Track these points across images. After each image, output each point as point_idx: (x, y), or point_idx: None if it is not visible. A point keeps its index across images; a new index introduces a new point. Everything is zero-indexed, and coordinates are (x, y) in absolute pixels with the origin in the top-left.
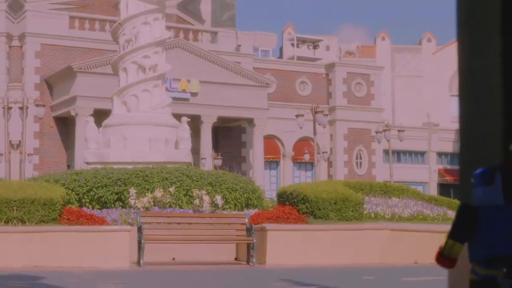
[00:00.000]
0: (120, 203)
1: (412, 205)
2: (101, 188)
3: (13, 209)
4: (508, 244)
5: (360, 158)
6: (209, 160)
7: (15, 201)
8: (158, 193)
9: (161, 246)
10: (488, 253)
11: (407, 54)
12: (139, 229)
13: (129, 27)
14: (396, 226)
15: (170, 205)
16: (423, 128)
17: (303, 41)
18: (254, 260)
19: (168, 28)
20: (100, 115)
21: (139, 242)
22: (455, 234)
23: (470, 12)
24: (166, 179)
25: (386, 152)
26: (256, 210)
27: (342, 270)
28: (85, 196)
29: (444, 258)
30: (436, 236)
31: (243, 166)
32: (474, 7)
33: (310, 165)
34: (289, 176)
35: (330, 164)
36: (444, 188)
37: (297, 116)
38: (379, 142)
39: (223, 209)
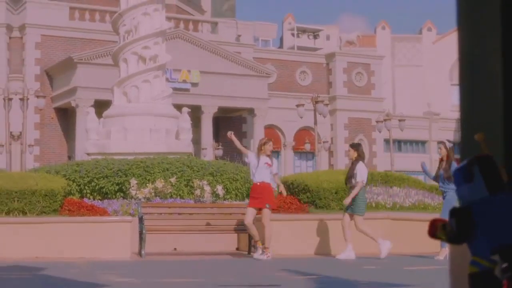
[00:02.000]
0: (121, 194)
1: (413, 194)
2: (102, 179)
3: (14, 200)
4: (506, 234)
5: None
6: (210, 150)
7: (16, 192)
8: (159, 183)
9: (162, 236)
10: (492, 245)
11: (407, 44)
12: (140, 220)
13: (129, 17)
14: (397, 215)
15: (171, 195)
16: (424, 117)
17: (303, 30)
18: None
19: (168, 18)
20: (101, 106)
21: (140, 233)
22: (453, 240)
23: (470, 0)
24: (167, 169)
25: (386, 141)
26: None
27: (343, 260)
28: (86, 187)
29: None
30: None
31: (244, 156)
32: None
33: (311, 154)
34: (290, 166)
35: (331, 154)
36: None
37: (297, 105)
38: (379, 132)
39: (224, 199)
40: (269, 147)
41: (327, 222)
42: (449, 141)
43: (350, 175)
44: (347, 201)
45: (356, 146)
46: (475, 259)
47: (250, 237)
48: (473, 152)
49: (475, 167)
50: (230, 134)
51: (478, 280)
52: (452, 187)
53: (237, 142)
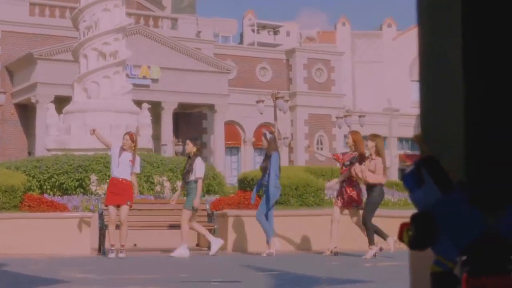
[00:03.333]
0: (81, 190)
1: None
2: (62, 174)
3: None
4: (469, 233)
5: (321, 143)
6: (170, 146)
7: None
8: None
9: None
10: (458, 246)
11: (368, 40)
12: (100, 216)
13: (89, 13)
14: None
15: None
16: (384, 114)
17: (263, 27)
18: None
19: (129, 14)
20: (61, 102)
21: (100, 229)
22: (415, 247)
23: None
24: None
25: (347, 137)
26: (217, 196)
27: (303, 256)
28: (46, 183)
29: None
30: (396, 221)
31: (204, 152)
32: None
33: None
34: (250, 162)
35: (291, 150)
36: None
37: (257, 102)
38: (340, 128)
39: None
40: (126, 141)
41: (286, 218)
42: (270, 132)
43: (188, 170)
44: (196, 203)
45: (194, 140)
46: (439, 259)
47: (211, 233)
48: (435, 149)
49: (423, 170)
50: (92, 132)
51: (440, 279)
52: (272, 180)
53: (101, 138)
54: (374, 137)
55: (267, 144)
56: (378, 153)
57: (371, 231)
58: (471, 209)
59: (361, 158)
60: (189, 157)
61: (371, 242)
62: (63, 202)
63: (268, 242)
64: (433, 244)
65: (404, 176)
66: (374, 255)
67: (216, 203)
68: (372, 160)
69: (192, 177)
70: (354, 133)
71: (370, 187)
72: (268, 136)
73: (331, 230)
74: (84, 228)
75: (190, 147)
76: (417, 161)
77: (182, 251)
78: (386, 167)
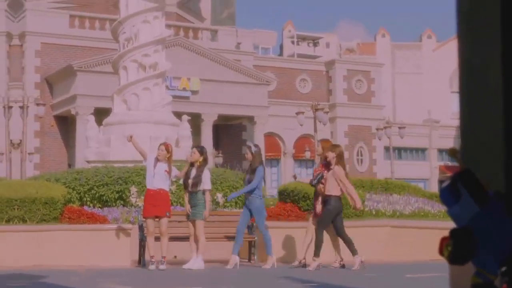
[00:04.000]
0: (121, 202)
1: (413, 202)
2: (102, 186)
3: (14, 209)
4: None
5: (361, 155)
6: (210, 158)
7: (16, 200)
8: None
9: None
10: (498, 258)
11: (407, 51)
12: (140, 227)
13: (129, 25)
14: (397, 223)
15: (172, 203)
16: (424, 125)
17: (303, 38)
18: (255, 257)
19: (168, 26)
20: (101, 114)
21: (141, 241)
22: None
23: (470, 7)
24: None
25: (387, 149)
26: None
27: (344, 268)
28: (86, 195)
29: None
30: (437, 232)
31: (244, 164)
32: (474, 2)
33: (311, 162)
34: (290, 174)
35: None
36: None
37: (297, 113)
38: (380, 139)
39: (224, 207)
40: (161, 151)
41: (327, 229)
42: (255, 145)
43: (196, 181)
44: (207, 214)
45: (200, 149)
46: (481, 271)
47: (251, 245)
48: (474, 160)
49: (459, 184)
50: (130, 138)
51: None
52: (256, 192)
53: (137, 146)
54: (334, 147)
55: (251, 157)
56: (339, 162)
57: (349, 242)
58: (508, 220)
59: (328, 166)
60: (191, 165)
61: (353, 252)
62: (103, 214)
63: (270, 254)
64: (473, 258)
65: (441, 191)
66: (362, 263)
67: None
68: (333, 170)
69: (200, 188)
70: (323, 141)
71: (326, 198)
72: (253, 149)
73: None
74: (124, 240)
75: (197, 156)
76: (453, 176)
77: (199, 263)
78: (347, 173)
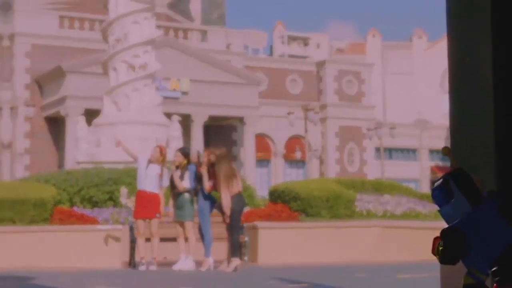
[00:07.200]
0: (111, 203)
1: (404, 202)
2: (92, 187)
3: (3, 209)
4: (498, 244)
5: (352, 155)
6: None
7: (5, 201)
8: None
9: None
10: (489, 259)
11: (398, 51)
12: (131, 229)
13: (118, 26)
14: (388, 223)
15: (166, 204)
16: (415, 125)
17: (293, 38)
18: (246, 258)
19: (158, 27)
20: (91, 115)
21: (131, 241)
22: (445, 262)
23: (460, 7)
24: None
25: (377, 149)
26: (247, 208)
27: (334, 268)
28: (76, 196)
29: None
30: (428, 233)
31: (234, 164)
32: (464, 2)
33: (302, 163)
34: (281, 174)
35: (321, 162)
36: None
37: (288, 114)
38: (370, 140)
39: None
40: (154, 153)
41: (317, 230)
42: (199, 151)
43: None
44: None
45: (184, 151)
46: (472, 270)
47: (241, 245)
48: (465, 160)
49: (451, 183)
50: (118, 143)
51: None
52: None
53: (127, 149)
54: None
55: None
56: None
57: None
58: (500, 220)
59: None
60: (176, 167)
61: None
62: (93, 215)
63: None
64: (464, 258)
65: (433, 190)
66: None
67: (246, 215)
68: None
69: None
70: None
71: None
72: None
73: None
74: (114, 241)
75: (180, 159)
76: (445, 175)
77: (190, 264)
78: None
